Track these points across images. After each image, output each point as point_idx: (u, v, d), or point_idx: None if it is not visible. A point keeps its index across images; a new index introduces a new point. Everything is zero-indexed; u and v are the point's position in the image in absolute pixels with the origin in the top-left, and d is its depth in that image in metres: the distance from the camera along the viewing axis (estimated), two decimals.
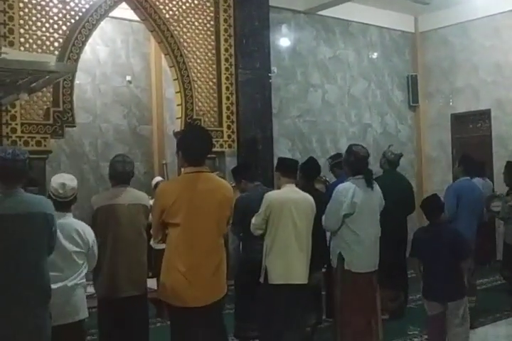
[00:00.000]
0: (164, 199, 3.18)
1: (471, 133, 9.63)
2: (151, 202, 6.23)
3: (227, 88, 6.67)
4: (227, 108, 6.65)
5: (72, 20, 5.79)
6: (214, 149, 6.31)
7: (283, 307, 4.01)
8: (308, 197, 4.19)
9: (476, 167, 5.66)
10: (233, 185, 4.50)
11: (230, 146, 6.78)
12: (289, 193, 4.12)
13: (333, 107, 9.01)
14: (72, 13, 5.82)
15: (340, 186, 4.26)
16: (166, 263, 3.19)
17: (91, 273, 3.91)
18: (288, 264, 4.00)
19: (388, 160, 5.82)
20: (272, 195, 4.11)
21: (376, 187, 4.32)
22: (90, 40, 6.33)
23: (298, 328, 4.20)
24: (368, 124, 9.44)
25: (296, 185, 4.34)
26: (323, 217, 4.28)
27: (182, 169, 3.40)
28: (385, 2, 9.03)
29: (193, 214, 3.13)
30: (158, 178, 6.85)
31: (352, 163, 4.27)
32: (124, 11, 6.84)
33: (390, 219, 5.18)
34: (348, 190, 4.13)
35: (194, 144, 3.26)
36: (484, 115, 9.41)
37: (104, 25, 7.55)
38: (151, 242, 5.90)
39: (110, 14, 6.36)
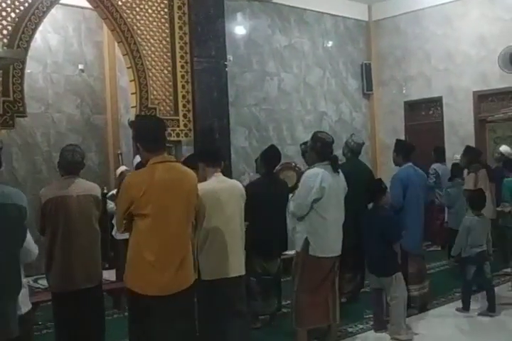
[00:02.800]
0: (133, 191, 3.12)
1: (423, 120, 9.85)
2: (113, 191, 6.19)
3: (183, 76, 6.61)
4: (183, 96, 6.60)
5: (22, 7, 5.62)
6: (170, 138, 6.29)
7: (224, 302, 3.86)
8: (238, 185, 4.05)
9: (412, 151, 5.61)
10: None
11: (186, 135, 6.73)
12: (216, 184, 3.91)
13: (289, 95, 9.05)
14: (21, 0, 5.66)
15: (309, 172, 4.33)
16: (133, 252, 3.17)
17: (44, 266, 3.87)
18: (221, 258, 3.83)
19: (351, 149, 5.87)
20: (199, 187, 3.71)
21: (341, 173, 4.43)
22: (41, 28, 6.16)
23: (244, 321, 4.06)
24: (323, 112, 9.53)
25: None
26: (291, 203, 4.31)
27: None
28: None
29: (163, 205, 3.11)
30: (123, 167, 6.72)
31: (318, 149, 4.34)
32: None
33: (350, 205, 5.28)
34: (317, 175, 4.20)
35: (150, 134, 3.23)
36: (436, 102, 9.63)
37: (55, 13, 7.37)
38: (113, 232, 5.87)
39: (61, 1, 6.20)
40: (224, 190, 3.91)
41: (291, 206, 4.36)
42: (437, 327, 4.99)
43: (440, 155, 8.40)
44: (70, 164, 3.92)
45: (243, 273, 4.00)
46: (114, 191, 6.21)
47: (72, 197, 3.84)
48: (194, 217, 3.47)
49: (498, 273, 6.40)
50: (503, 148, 7.72)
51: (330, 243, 4.26)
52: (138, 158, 6.58)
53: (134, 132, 3.49)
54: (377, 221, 4.70)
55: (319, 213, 4.20)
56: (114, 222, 5.96)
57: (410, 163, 5.45)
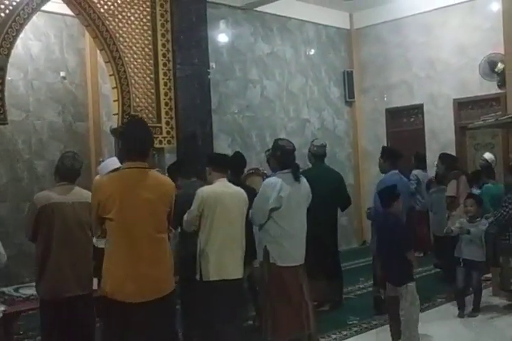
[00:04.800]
0: (99, 193, 3.12)
1: (405, 127, 9.93)
2: None
3: (165, 83, 6.61)
4: (166, 104, 6.60)
5: (2, 14, 5.59)
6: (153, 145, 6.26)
7: (221, 304, 3.96)
8: (241, 191, 4.15)
9: (400, 158, 5.63)
10: None
11: (169, 142, 6.72)
12: (221, 188, 4.06)
13: (272, 103, 9.08)
14: (2, 6, 5.62)
15: (267, 180, 4.30)
16: (106, 258, 3.15)
17: (35, 272, 3.83)
18: (222, 260, 3.95)
19: (313, 154, 5.85)
20: (204, 191, 4.03)
21: (303, 180, 4.34)
22: (22, 35, 6.13)
23: (237, 324, 4.16)
24: (306, 119, 9.57)
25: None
26: (250, 211, 4.30)
27: None
28: None
29: (126, 209, 3.07)
30: (99, 177, 6.71)
31: (279, 157, 4.29)
32: (57, 5, 6.66)
33: (319, 211, 5.26)
34: (275, 184, 4.15)
35: (134, 139, 3.20)
36: (417, 109, 9.73)
37: (37, 20, 7.32)
38: (94, 240, 5.84)
39: (43, 8, 6.17)
40: (228, 194, 4.04)
41: (250, 214, 4.33)
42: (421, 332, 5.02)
43: (421, 162, 8.49)
44: (69, 171, 3.89)
45: (241, 276, 4.08)
46: None
47: (68, 204, 3.81)
48: (167, 224, 3.40)
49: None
50: (487, 155, 7.81)
51: (290, 252, 4.20)
52: (98, 177, 6.56)
53: (119, 135, 3.47)
54: (388, 228, 4.52)
55: (277, 223, 4.15)
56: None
57: (396, 170, 5.49)
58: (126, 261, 3.07)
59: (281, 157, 4.29)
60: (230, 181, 4.26)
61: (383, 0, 9.31)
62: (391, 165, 5.47)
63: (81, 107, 8.27)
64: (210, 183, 4.15)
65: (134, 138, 3.21)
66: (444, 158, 6.80)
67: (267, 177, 5.96)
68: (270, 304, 4.23)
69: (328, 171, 5.97)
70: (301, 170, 4.49)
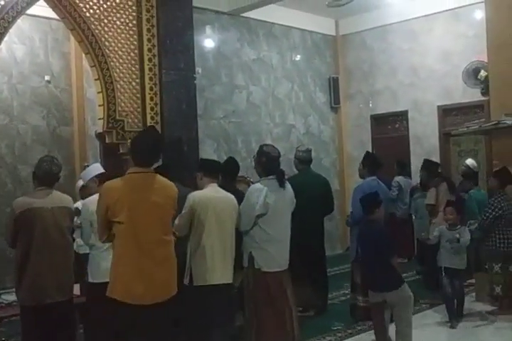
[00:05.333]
0: (108, 197, 3.18)
1: (389, 134, 10.00)
2: (75, 205, 6.12)
3: (151, 88, 6.59)
4: (151, 108, 6.57)
5: None
6: None
7: (210, 309, 3.99)
8: (231, 197, 4.20)
9: (379, 165, 5.67)
10: None
11: None
12: (212, 193, 4.12)
13: (258, 108, 9.10)
14: None
15: (253, 187, 4.31)
16: (115, 261, 3.20)
17: (14, 278, 3.79)
18: (212, 264, 3.99)
19: (300, 160, 5.88)
20: (195, 195, 4.07)
21: (288, 186, 4.35)
22: (6, 38, 6.07)
23: (226, 328, 4.19)
24: (291, 125, 9.60)
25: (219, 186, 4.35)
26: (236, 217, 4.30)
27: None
28: (306, 5, 9.21)
29: (135, 213, 3.15)
30: (81, 182, 6.67)
31: (264, 163, 4.30)
32: (42, 8, 6.62)
33: (306, 217, 5.29)
34: (261, 190, 4.15)
35: (146, 147, 3.28)
36: (402, 116, 9.80)
37: (21, 23, 7.29)
38: (74, 246, 5.80)
39: (27, 12, 6.13)
40: (219, 199, 4.09)
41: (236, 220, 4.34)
42: None
43: (403, 169, 8.55)
44: (47, 176, 3.87)
45: (231, 281, 4.12)
46: (77, 204, 6.14)
47: (47, 208, 3.79)
48: (178, 228, 3.59)
49: (464, 284, 6.50)
50: (469, 161, 7.88)
51: (275, 257, 4.21)
52: (80, 182, 6.53)
53: (132, 141, 3.55)
54: (371, 235, 4.52)
55: (263, 228, 4.16)
56: (75, 235, 5.90)
57: (375, 177, 5.52)
58: (136, 264, 3.13)
59: (267, 163, 4.29)
60: (222, 186, 4.29)
61: (369, 7, 9.37)
62: (369, 172, 5.50)
63: (66, 111, 8.22)
64: (201, 188, 4.18)
65: (147, 147, 3.28)
66: (426, 164, 6.86)
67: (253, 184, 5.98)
68: (254, 311, 4.23)
69: (315, 176, 6.01)
70: (288, 176, 4.50)
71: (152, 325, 3.16)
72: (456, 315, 5.41)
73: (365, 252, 4.65)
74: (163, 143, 3.51)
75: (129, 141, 5.50)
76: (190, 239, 4.03)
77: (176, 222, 4.06)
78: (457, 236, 5.30)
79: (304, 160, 5.86)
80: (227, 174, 4.84)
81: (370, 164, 5.56)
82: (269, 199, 4.12)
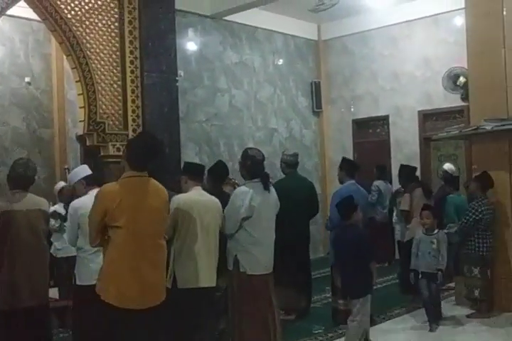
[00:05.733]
0: (107, 201, 3.15)
1: (370, 138, 10.06)
2: (54, 207, 6.06)
3: (133, 91, 6.55)
4: (133, 111, 6.53)
5: None
6: (119, 153, 6.20)
7: (193, 312, 3.98)
8: (216, 200, 4.21)
9: (356, 169, 5.72)
10: None
11: None
12: (196, 196, 4.13)
13: (240, 112, 9.10)
14: None
15: (238, 190, 4.32)
16: (109, 266, 3.18)
17: None
18: (196, 268, 3.99)
19: (287, 163, 5.91)
20: (180, 198, 4.08)
21: (272, 190, 4.37)
22: None
23: (209, 331, 4.20)
24: (274, 129, 9.61)
25: (204, 189, 4.35)
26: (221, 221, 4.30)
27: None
28: (289, 10, 9.24)
29: (135, 217, 3.15)
30: (61, 183, 6.61)
31: (249, 166, 4.31)
32: (23, 9, 6.56)
33: (293, 220, 5.33)
34: (246, 193, 4.16)
35: (142, 151, 3.29)
36: (383, 121, 9.87)
37: (2, 24, 7.22)
38: (52, 250, 5.75)
39: (8, 12, 6.07)
40: (203, 203, 4.10)
41: (221, 223, 4.34)
42: None
43: (382, 173, 8.60)
44: (22, 178, 3.82)
45: (214, 284, 4.12)
46: (55, 207, 6.08)
47: (22, 211, 3.74)
48: (165, 231, 3.56)
49: (443, 288, 6.55)
50: (447, 166, 7.96)
51: (260, 260, 4.22)
52: (60, 185, 6.47)
53: (128, 144, 3.55)
54: (350, 240, 4.51)
55: (248, 231, 4.17)
56: (52, 239, 5.84)
57: (353, 181, 5.56)
58: (134, 268, 3.13)
59: (251, 166, 4.30)
60: (210, 189, 4.29)
61: (350, 12, 9.43)
62: (348, 175, 5.54)
63: (46, 113, 8.15)
64: (185, 191, 4.19)
65: (142, 151, 3.28)
66: (402, 169, 6.92)
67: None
68: (238, 314, 4.23)
69: (301, 180, 6.07)
70: (276, 180, 4.51)
71: (145, 329, 3.16)
72: (434, 317, 5.44)
73: (342, 257, 4.62)
74: (158, 147, 3.46)
75: (118, 143, 5.47)
76: (174, 242, 4.02)
77: None
78: (434, 245, 5.34)
79: (290, 163, 5.91)
80: (216, 177, 4.84)
81: (348, 167, 5.61)
82: (254, 202, 4.14)
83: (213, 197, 4.23)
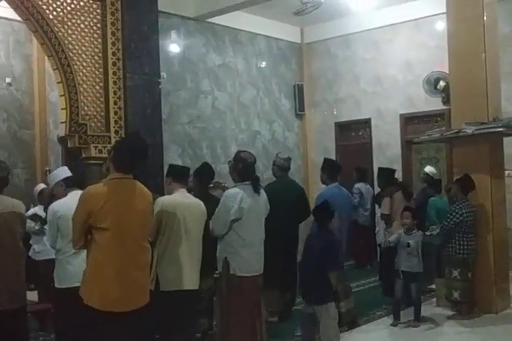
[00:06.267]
0: (92, 202, 3.12)
1: (353, 141, 10.11)
2: (33, 210, 5.99)
3: (115, 92, 6.52)
4: (115, 113, 6.49)
5: None
6: (101, 155, 6.17)
7: (176, 314, 3.97)
8: (200, 203, 4.21)
9: (339, 171, 5.76)
10: None
11: None
12: (181, 198, 4.12)
13: (223, 114, 9.09)
14: None
15: (229, 191, 4.33)
16: (93, 268, 3.15)
17: None
18: (180, 270, 3.98)
19: (279, 167, 5.93)
20: (164, 200, 4.07)
21: (262, 192, 4.40)
22: None
23: (191, 334, 4.21)
24: (257, 131, 9.62)
25: (189, 191, 4.35)
26: (211, 222, 4.30)
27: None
28: (272, 13, 9.26)
29: (121, 219, 3.13)
30: (41, 185, 6.55)
31: (240, 169, 4.33)
32: (3, 9, 6.50)
33: (283, 223, 5.36)
34: (237, 195, 4.19)
35: (130, 153, 3.27)
36: (365, 124, 9.92)
37: None
38: (31, 253, 5.69)
39: None
40: (187, 205, 4.09)
41: (211, 225, 4.35)
42: None
43: (363, 175, 8.65)
44: None
45: (198, 287, 4.12)
46: (35, 209, 6.02)
47: None
48: (150, 234, 3.54)
49: (424, 290, 6.59)
50: (428, 169, 8.03)
51: (250, 262, 4.24)
52: (40, 187, 6.41)
53: (116, 145, 3.53)
54: (319, 245, 4.48)
55: (238, 233, 4.19)
56: (31, 242, 5.78)
57: (336, 183, 5.58)
58: (120, 270, 3.11)
59: (243, 169, 4.33)
60: (196, 191, 4.28)
61: (333, 16, 9.48)
62: (330, 177, 5.56)
63: (27, 115, 8.07)
64: (170, 194, 4.19)
65: (129, 153, 3.26)
66: (380, 172, 6.97)
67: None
68: (226, 316, 4.24)
69: (292, 183, 6.11)
70: (268, 182, 4.50)
71: (128, 332, 3.14)
72: (399, 315, 5.56)
73: (307, 261, 4.58)
74: (146, 150, 3.42)
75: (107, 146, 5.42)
76: (157, 244, 4.00)
77: None
78: (412, 244, 5.43)
79: (283, 167, 5.94)
80: (201, 179, 4.84)
81: (330, 169, 5.63)
82: (244, 204, 4.16)
83: (197, 200, 4.22)
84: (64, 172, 4.49)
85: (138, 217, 3.22)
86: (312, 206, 5.48)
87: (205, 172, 5.06)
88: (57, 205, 4.13)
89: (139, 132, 6.61)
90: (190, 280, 4.04)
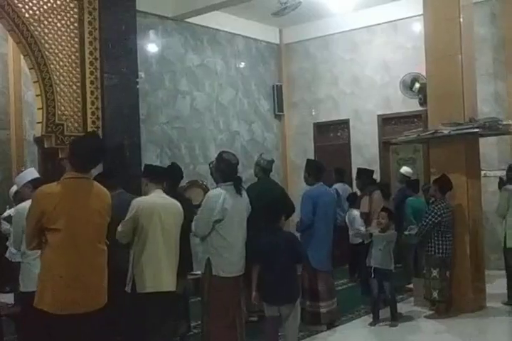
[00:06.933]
0: (45, 203, 3.05)
1: (331, 142, 10.15)
2: (9, 211, 5.90)
3: (92, 92, 6.46)
4: (93, 113, 6.43)
5: None
6: None
7: (153, 316, 3.95)
8: (177, 203, 4.19)
9: (322, 171, 5.80)
10: None
11: None
12: (157, 199, 4.10)
13: (202, 114, 9.06)
14: None
15: (211, 192, 4.35)
16: (46, 270, 3.08)
17: None
18: (157, 271, 3.95)
19: (262, 168, 5.94)
20: (140, 201, 4.04)
21: (244, 193, 4.41)
22: None
23: (168, 336, 4.18)
24: (236, 132, 9.61)
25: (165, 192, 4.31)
26: (193, 223, 4.29)
27: None
28: (251, 13, 9.26)
29: (75, 220, 3.06)
30: (15, 187, 6.45)
31: (223, 170, 4.34)
32: None
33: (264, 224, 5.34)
34: (219, 196, 4.20)
35: (87, 152, 3.20)
36: (343, 124, 9.97)
37: None
38: (8, 254, 5.60)
39: None
40: (164, 206, 4.06)
41: (192, 226, 4.33)
42: None
43: (341, 176, 8.69)
44: None
45: (175, 288, 4.07)
46: (10, 211, 5.93)
47: None
48: (123, 236, 3.54)
49: (402, 289, 6.65)
50: (404, 169, 8.10)
51: (232, 263, 4.25)
52: (15, 188, 6.33)
53: (72, 144, 3.43)
54: (282, 243, 4.35)
55: (221, 234, 4.20)
56: (8, 243, 5.70)
57: (321, 182, 5.62)
58: (73, 272, 3.03)
59: (225, 170, 4.34)
60: (166, 192, 4.25)
61: (312, 17, 9.52)
62: (315, 178, 5.59)
63: (2, 115, 7.95)
64: (146, 194, 4.16)
65: (86, 152, 3.19)
66: (359, 172, 7.04)
67: (208, 189, 5.98)
68: (207, 316, 4.24)
69: (274, 184, 6.13)
70: (250, 183, 4.48)
71: (87, 335, 3.07)
72: (378, 315, 5.61)
73: (274, 262, 4.34)
74: (104, 149, 3.42)
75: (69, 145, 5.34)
76: (133, 246, 3.98)
77: (119, 228, 4.00)
78: (385, 243, 5.53)
79: (266, 168, 5.94)
80: (170, 180, 4.80)
81: (314, 170, 5.66)
82: (227, 204, 4.17)
83: (174, 200, 4.20)
84: (31, 173, 4.44)
85: (93, 218, 3.15)
86: (300, 205, 5.51)
87: (174, 172, 5.01)
88: (21, 207, 4.06)
89: (114, 132, 6.59)
90: (167, 281, 4.00)
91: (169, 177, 4.80)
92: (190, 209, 4.86)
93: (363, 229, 6.29)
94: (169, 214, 4.06)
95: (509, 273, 6.20)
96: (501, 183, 6.58)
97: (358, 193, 7.14)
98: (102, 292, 3.19)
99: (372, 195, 6.41)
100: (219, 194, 4.21)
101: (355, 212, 6.76)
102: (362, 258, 5.99)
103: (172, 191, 4.64)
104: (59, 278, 3.01)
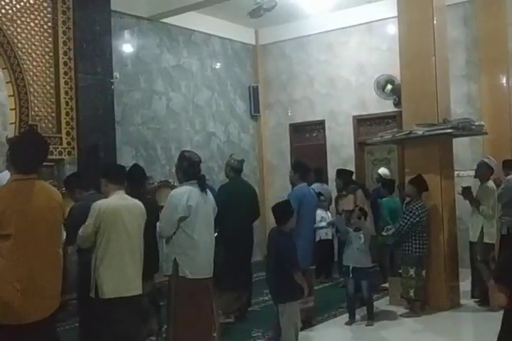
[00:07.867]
0: None
1: (307, 142, 10.19)
2: None
3: (67, 93, 6.40)
4: (67, 113, 6.38)
5: None
6: (52, 157, 6.04)
7: (119, 322, 3.78)
8: (139, 204, 4.04)
9: (309, 172, 5.90)
10: (63, 192, 4.29)
11: (69, 153, 6.49)
12: (119, 200, 3.91)
13: (178, 115, 9.02)
14: None
15: (175, 190, 4.24)
16: None
17: None
18: (121, 276, 3.79)
19: (232, 168, 5.96)
20: (100, 204, 3.86)
21: (209, 192, 4.32)
22: None
23: (141, 337, 4.10)
24: (212, 133, 9.59)
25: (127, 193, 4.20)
26: (158, 222, 4.21)
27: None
28: (227, 14, 9.26)
29: (27, 224, 2.90)
30: None
31: (186, 168, 4.24)
32: None
33: (237, 223, 5.36)
34: (183, 193, 4.09)
35: (29, 151, 3.04)
36: (319, 125, 10.02)
37: None
38: None
39: None
40: (125, 207, 3.89)
41: (157, 226, 4.23)
42: None
43: (319, 176, 8.74)
44: None
45: (140, 292, 3.93)
46: None
47: None
48: (62, 237, 3.32)
49: (378, 288, 6.70)
50: (381, 170, 8.18)
51: (200, 264, 4.11)
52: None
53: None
54: (279, 245, 4.41)
55: (187, 232, 4.06)
56: None
57: (305, 183, 5.67)
58: (26, 279, 2.89)
59: (188, 168, 4.23)
60: (130, 194, 4.14)
61: (288, 18, 9.55)
62: (301, 178, 5.63)
63: None
64: (106, 196, 3.98)
65: (27, 152, 3.04)
66: (340, 173, 7.11)
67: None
68: (174, 319, 4.10)
69: (244, 184, 6.14)
70: (212, 183, 4.42)
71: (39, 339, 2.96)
72: (354, 314, 5.65)
73: (270, 261, 4.51)
74: (47, 145, 3.22)
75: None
76: (95, 250, 3.81)
77: (80, 232, 3.87)
78: (361, 241, 5.60)
79: (236, 168, 5.96)
80: (132, 181, 4.68)
81: (302, 170, 5.70)
82: (191, 202, 4.05)
83: (136, 201, 4.04)
84: (6, 176, 4.34)
85: (45, 220, 2.99)
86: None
87: (136, 173, 4.91)
88: None
89: (89, 133, 6.52)
90: (133, 285, 3.84)
91: (131, 178, 4.70)
92: (154, 210, 4.74)
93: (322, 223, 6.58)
94: (131, 216, 3.90)
95: (473, 267, 6.28)
96: None
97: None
98: (54, 298, 3.05)
99: (356, 193, 6.54)
100: (183, 192, 4.10)
101: (318, 211, 6.90)
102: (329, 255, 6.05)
103: (135, 192, 4.53)
104: (11, 287, 2.86)
